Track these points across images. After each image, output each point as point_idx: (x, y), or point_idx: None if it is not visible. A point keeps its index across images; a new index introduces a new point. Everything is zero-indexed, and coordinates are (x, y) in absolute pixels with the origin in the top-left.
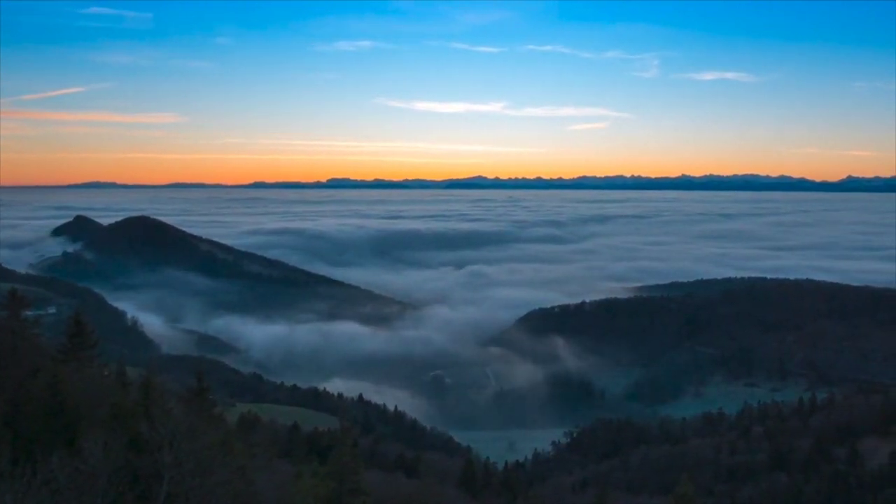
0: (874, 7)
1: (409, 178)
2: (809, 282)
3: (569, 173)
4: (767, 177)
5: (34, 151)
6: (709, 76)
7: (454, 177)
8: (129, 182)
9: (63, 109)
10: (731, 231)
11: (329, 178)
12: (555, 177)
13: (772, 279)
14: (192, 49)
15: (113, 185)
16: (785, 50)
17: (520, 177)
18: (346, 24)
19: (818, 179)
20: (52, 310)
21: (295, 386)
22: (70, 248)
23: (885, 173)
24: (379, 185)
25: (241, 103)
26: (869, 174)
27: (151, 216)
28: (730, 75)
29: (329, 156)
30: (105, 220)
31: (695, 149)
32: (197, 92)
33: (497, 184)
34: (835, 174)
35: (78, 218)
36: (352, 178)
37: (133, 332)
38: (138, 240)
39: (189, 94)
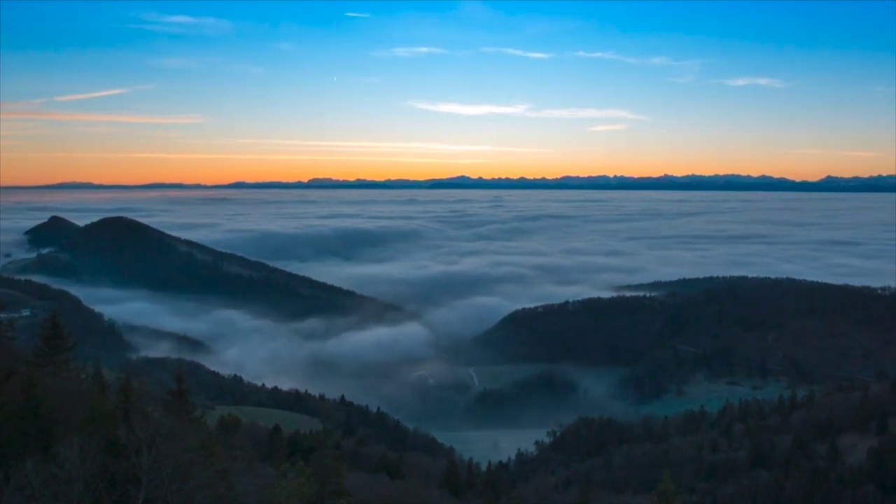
0: (855, 9)
1: (393, 178)
2: (789, 281)
3: (552, 174)
4: (749, 176)
5: (30, 151)
6: (740, 82)
7: (438, 177)
8: (104, 182)
9: (91, 111)
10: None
11: (311, 178)
12: (538, 177)
13: (752, 278)
14: (252, 54)
15: (89, 186)
16: (788, 55)
17: (503, 177)
18: (409, 31)
19: (798, 179)
20: (26, 312)
21: (276, 388)
22: (45, 250)
23: (864, 173)
24: (361, 185)
25: (268, 107)
26: (848, 174)
27: (128, 216)
28: (762, 81)
29: (329, 157)
30: (80, 221)
31: (696, 149)
32: (230, 95)
33: (479, 184)
34: (815, 174)
35: (53, 219)
36: (334, 178)
37: (110, 335)
38: (115, 240)
39: (222, 97)
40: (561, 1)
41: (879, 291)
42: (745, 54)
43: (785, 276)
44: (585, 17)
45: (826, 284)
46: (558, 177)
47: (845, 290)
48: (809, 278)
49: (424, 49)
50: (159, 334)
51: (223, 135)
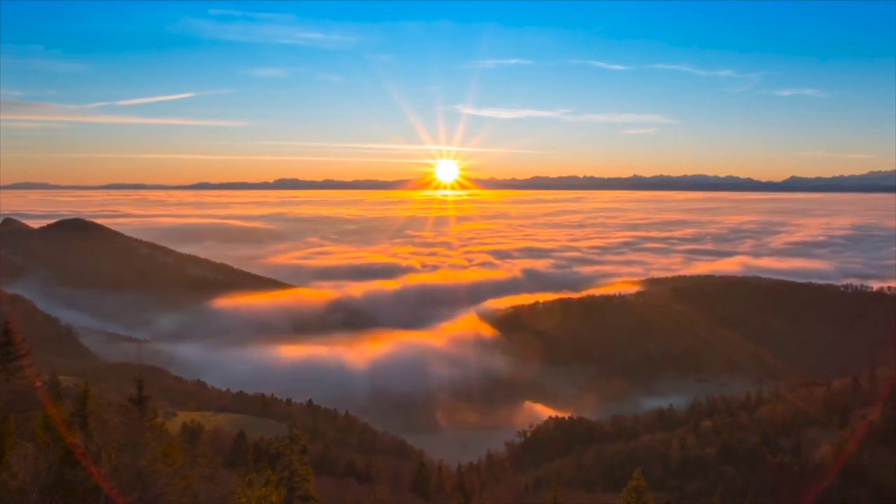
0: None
1: (360, 178)
2: (756, 279)
3: (523, 174)
4: (716, 177)
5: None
6: (786, 93)
7: (407, 177)
8: (63, 183)
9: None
10: None
11: (276, 178)
12: (508, 178)
13: (719, 276)
14: (343, 65)
15: (45, 185)
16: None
17: (475, 178)
18: (502, 43)
19: (763, 179)
20: None
21: (241, 392)
22: None
23: (827, 174)
24: (328, 185)
25: (316, 113)
26: (811, 175)
27: (86, 218)
28: (808, 92)
29: (340, 158)
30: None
31: (700, 148)
32: (280, 100)
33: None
34: (779, 174)
35: (6, 221)
36: (301, 178)
37: (67, 340)
38: (71, 243)
39: (275, 102)
40: (660, 19)
41: (842, 289)
42: (798, 67)
43: (752, 275)
44: (670, 33)
45: (790, 282)
46: (529, 177)
47: (809, 287)
48: None
49: (514, 61)
50: (119, 339)
51: (237, 137)
